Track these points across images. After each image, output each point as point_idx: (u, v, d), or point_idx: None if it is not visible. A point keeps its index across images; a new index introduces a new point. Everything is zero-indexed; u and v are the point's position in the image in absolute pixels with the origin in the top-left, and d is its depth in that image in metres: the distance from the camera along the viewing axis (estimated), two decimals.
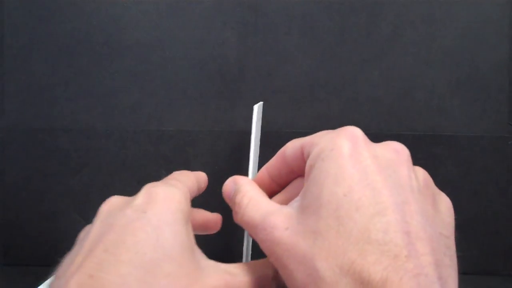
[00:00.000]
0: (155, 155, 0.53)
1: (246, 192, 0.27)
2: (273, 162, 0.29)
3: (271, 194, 0.30)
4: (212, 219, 0.33)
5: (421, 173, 0.25)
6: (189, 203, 0.26)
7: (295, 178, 0.29)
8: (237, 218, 0.26)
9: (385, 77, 0.52)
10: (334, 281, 0.20)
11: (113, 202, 0.26)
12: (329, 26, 0.52)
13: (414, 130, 0.52)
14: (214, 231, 0.33)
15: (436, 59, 0.51)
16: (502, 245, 0.51)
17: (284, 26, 0.52)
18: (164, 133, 0.53)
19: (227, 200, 0.29)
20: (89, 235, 0.23)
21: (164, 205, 0.24)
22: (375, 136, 0.53)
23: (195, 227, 0.28)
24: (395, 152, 0.24)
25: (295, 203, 0.24)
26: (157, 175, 0.53)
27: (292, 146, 0.27)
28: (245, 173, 0.34)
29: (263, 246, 0.24)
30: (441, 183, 0.52)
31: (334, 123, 0.53)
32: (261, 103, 0.38)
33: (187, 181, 0.29)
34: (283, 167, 0.28)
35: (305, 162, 0.25)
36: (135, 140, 0.53)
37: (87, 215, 0.26)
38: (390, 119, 0.52)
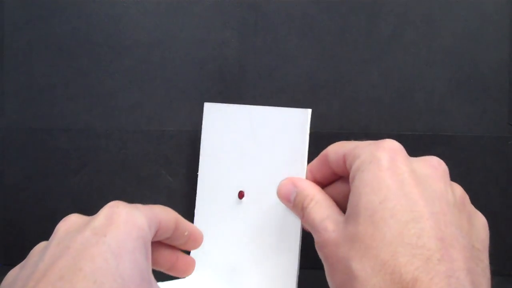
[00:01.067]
0: (155, 155, 0.53)
1: (314, 195, 0.29)
2: (316, 164, 0.32)
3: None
4: (183, 260, 0.31)
5: (458, 190, 0.27)
6: (151, 233, 0.24)
7: (337, 179, 0.31)
8: (302, 219, 0.29)
9: (385, 77, 0.52)
10: (366, 280, 0.21)
11: (72, 222, 0.24)
12: (329, 26, 0.52)
13: (414, 130, 0.52)
14: (183, 274, 0.31)
15: (436, 59, 0.51)
16: (502, 245, 0.51)
17: (284, 26, 0.52)
18: (164, 133, 0.53)
19: (284, 201, 0.32)
20: (44, 257, 0.22)
21: (125, 230, 0.23)
22: (375, 136, 0.53)
23: (160, 262, 0.29)
24: (433, 168, 0.27)
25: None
26: (157, 175, 0.53)
27: (335, 153, 0.29)
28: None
29: (316, 246, 0.27)
30: None
31: (334, 123, 0.53)
32: (309, 110, 0.40)
33: (160, 213, 0.27)
34: (326, 169, 0.31)
35: (346, 168, 0.28)
36: (135, 140, 0.53)
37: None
38: (390, 119, 0.52)
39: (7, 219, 0.53)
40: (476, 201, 0.54)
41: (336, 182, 0.31)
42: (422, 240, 0.21)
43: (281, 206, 0.35)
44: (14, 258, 0.56)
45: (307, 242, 0.35)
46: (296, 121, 0.40)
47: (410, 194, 0.23)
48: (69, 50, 0.53)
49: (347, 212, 0.25)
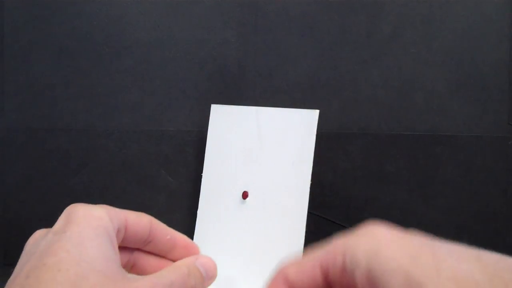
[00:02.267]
0: (155, 155, 0.53)
1: None
2: (307, 269, 0.21)
3: None
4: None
5: None
6: (114, 225, 0.25)
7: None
8: None
9: (385, 77, 0.52)
10: None
11: (37, 234, 0.26)
12: (329, 26, 0.52)
13: (414, 130, 0.52)
14: None
15: (436, 59, 0.51)
16: (502, 245, 0.51)
17: (284, 26, 0.52)
18: (164, 133, 0.53)
19: None
20: (15, 268, 0.23)
21: (84, 223, 0.24)
22: (375, 136, 0.53)
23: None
24: None
25: None
26: (157, 175, 0.53)
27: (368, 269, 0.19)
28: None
29: None
30: (441, 183, 0.52)
31: (334, 123, 0.53)
32: (317, 111, 0.40)
33: (127, 212, 0.27)
34: (320, 275, 0.20)
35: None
36: (135, 140, 0.53)
37: None
38: (390, 119, 0.52)
39: (7, 219, 0.53)
40: (476, 201, 0.55)
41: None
42: None
43: (285, 207, 0.35)
44: (14, 258, 0.56)
45: (311, 242, 0.35)
46: (304, 122, 0.40)
47: None
48: (69, 50, 0.53)
49: None
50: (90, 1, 0.53)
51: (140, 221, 0.27)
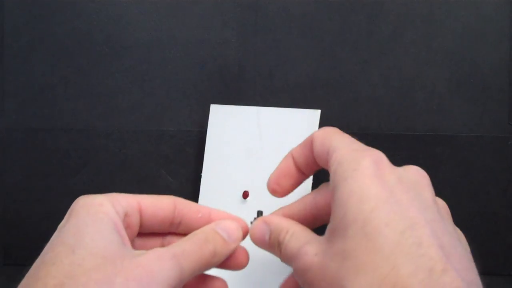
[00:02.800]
0: (155, 155, 0.53)
1: (288, 228, 0.26)
2: (300, 149, 0.28)
3: (294, 184, 0.29)
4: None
5: (442, 203, 0.25)
6: (115, 208, 0.24)
7: (318, 169, 0.28)
8: (281, 256, 0.26)
9: (385, 77, 0.52)
10: None
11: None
12: (329, 26, 0.52)
13: (414, 130, 0.52)
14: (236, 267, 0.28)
15: (436, 59, 0.51)
16: (502, 245, 0.51)
17: (284, 26, 0.52)
18: (164, 133, 0.53)
19: (260, 244, 0.27)
20: None
21: (82, 212, 0.24)
22: (375, 136, 0.53)
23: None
24: (419, 175, 0.24)
25: (326, 230, 0.24)
26: (157, 175, 0.53)
27: (320, 144, 0.26)
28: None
29: (297, 275, 0.24)
30: (441, 183, 0.52)
31: (334, 123, 0.53)
32: (319, 110, 0.40)
33: (141, 196, 0.26)
34: (309, 156, 0.27)
35: (329, 165, 0.25)
36: (135, 140, 0.53)
37: None
38: (390, 119, 0.52)
39: (7, 219, 0.53)
40: (476, 201, 0.55)
41: (315, 193, 0.28)
42: (422, 249, 0.19)
43: None
44: (14, 258, 0.56)
45: None
46: (305, 122, 0.40)
47: (401, 200, 0.21)
48: (69, 50, 0.53)
49: (330, 227, 0.22)
50: (90, 1, 0.53)
51: (159, 203, 0.27)
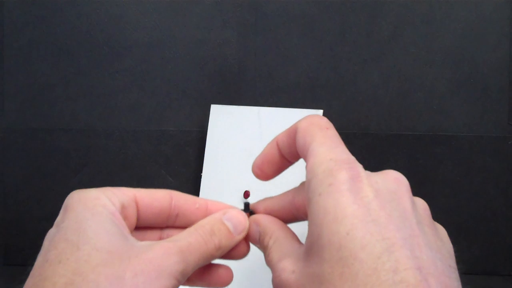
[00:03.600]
0: (155, 155, 0.53)
1: (273, 233, 0.25)
2: (284, 137, 0.27)
3: (278, 170, 0.29)
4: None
5: (421, 203, 0.24)
6: (112, 201, 0.24)
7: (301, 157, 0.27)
8: (266, 262, 0.25)
9: (385, 77, 0.52)
10: None
11: (48, 232, 0.25)
12: (329, 26, 0.52)
13: (414, 130, 0.52)
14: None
15: (436, 59, 0.51)
16: (502, 245, 0.51)
17: (284, 26, 0.52)
18: (164, 133, 0.53)
19: (255, 244, 0.27)
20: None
21: (79, 207, 0.23)
22: (375, 136, 0.53)
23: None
24: (396, 182, 0.23)
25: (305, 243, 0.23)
26: (157, 175, 0.53)
27: (302, 138, 0.25)
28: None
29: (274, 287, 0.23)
30: (441, 183, 0.52)
31: (334, 123, 0.53)
32: (321, 110, 0.40)
33: (137, 190, 0.26)
34: (293, 145, 0.26)
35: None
36: (135, 140, 0.53)
37: None
38: (390, 119, 0.52)
39: (7, 219, 0.53)
40: (476, 201, 0.55)
41: (294, 193, 0.27)
42: (399, 275, 0.18)
43: None
44: (14, 258, 0.56)
45: None
46: None
47: (378, 219, 0.20)
48: (69, 50, 0.53)
49: (307, 245, 0.22)
50: (90, 1, 0.53)
51: (154, 195, 0.26)
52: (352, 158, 0.23)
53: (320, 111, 0.40)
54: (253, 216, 0.27)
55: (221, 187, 0.46)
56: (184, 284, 0.24)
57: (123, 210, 0.25)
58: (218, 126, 0.47)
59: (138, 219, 0.26)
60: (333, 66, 0.52)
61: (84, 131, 0.53)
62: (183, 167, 0.53)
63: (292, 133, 0.26)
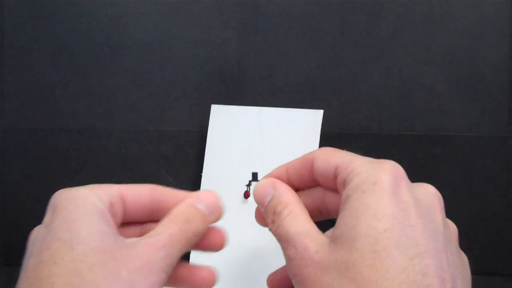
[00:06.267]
0: (155, 155, 0.53)
1: (289, 203, 0.25)
2: (296, 165, 0.27)
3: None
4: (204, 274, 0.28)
5: (452, 227, 0.25)
6: (100, 198, 0.24)
7: (313, 186, 0.28)
8: (272, 227, 0.25)
9: (385, 77, 0.52)
10: None
11: (35, 232, 0.25)
12: (329, 26, 0.52)
13: (414, 130, 0.52)
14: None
15: (436, 59, 0.51)
16: (502, 245, 0.51)
17: (284, 26, 0.52)
18: (164, 133, 0.53)
19: (259, 203, 0.27)
20: (20, 273, 0.23)
21: (69, 206, 0.23)
22: (375, 136, 0.53)
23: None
24: (434, 197, 0.24)
25: (329, 232, 0.23)
26: (157, 175, 0.53)
27: (324, 161, 0.26)
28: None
29: (290, 263, 0.23)
30: (441, 183, 0.52)
31: (334, 123, 0.53)
32: (321, 111, 0.40)
33: (121, 186, 0.27)
34: (306, 174, 0.27)
35: (335, 182, 0.25)
36: (135, 140, 0.53)
37: None
38: (390, 119, 0.52)
39: (7, 219, 0.53)
40: (476, 201, 0.55)
41: (312, 190, 0.27)
42: (427, 280, 0.19)
43: None
44: (14, 258, 0.56)
45: None
46: (308, 122, 0.40)
47: (415, 225, 0.21)
48: (69, 50, 0.53)
49: (335, 233, 0.22)
50: (90, 1, 0.53)
51: (138, 190, 0.27)
52: (392, 162, 0.24)
53: (320, 111, 0.40)
54: (271, 178, 0.27)
55: (221, 187, 0.46)
56: (167, 285, 0.24)
57: (111, 207, 0.25)
58: (218, 126, 0.47)
59: (124, 215, 0.26)
60: (333, 66, 0.52)
61: (84, 131, 0.53)
62: (183, 167, 0.53)
63: (307, 162, 0.27)
